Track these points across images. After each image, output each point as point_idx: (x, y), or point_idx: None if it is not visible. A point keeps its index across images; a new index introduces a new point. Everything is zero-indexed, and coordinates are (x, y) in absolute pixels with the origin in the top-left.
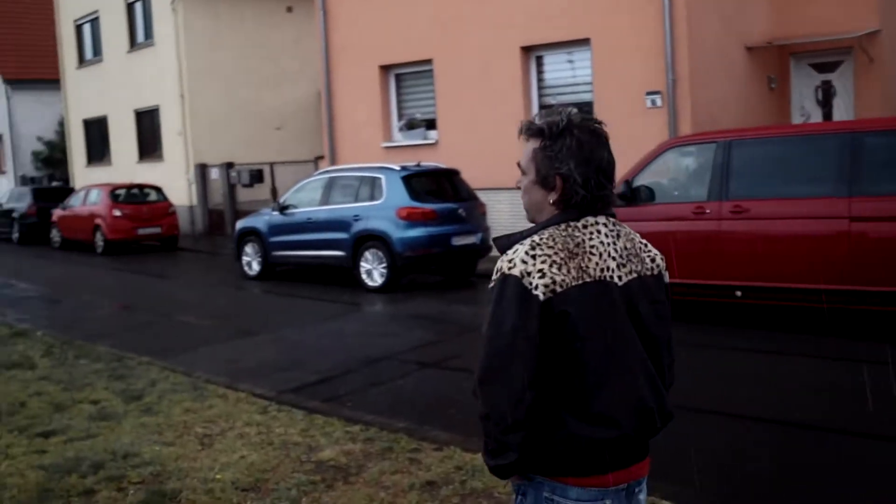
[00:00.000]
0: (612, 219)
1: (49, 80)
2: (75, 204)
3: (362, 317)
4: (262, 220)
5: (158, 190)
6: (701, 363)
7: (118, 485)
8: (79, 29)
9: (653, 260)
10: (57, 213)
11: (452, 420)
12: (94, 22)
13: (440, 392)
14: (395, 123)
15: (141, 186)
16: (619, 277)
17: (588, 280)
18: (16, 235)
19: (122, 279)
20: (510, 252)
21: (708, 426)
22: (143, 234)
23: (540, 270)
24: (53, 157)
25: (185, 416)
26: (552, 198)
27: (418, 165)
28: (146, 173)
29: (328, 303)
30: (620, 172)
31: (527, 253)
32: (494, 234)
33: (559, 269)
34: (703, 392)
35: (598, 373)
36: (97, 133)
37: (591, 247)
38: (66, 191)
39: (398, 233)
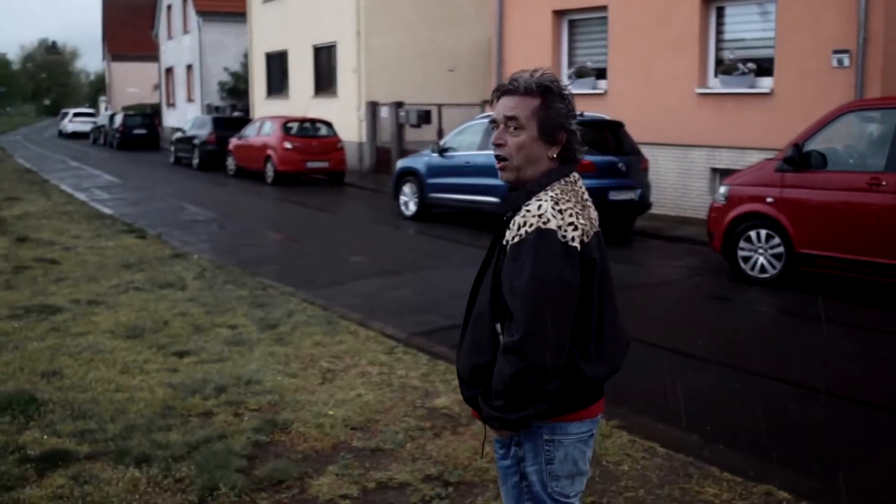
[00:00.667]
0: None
1: (237, 13)
2: (250, 134)
3: None
4: (421, 161)
5: (329, 125)
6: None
7: (235, 410)
8: None
9: (595, 212)
10: (233, 142)
11: None
12: None
13: None
14: (565, 71)
15: (312, 121)
16: (598, 227)
17: (596, 229)
18: (196, 161)
19: (286, 210)
20: (534, 208)
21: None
22: (312, 168)
23: (571, 223)
24: (237, 88)
25: (313, 350)
26: (554, 152)
27: (581, 115)
28: (320, 108)
29: (477, 248)
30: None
31: (553, 208)
32: (657, 191)
33: (582, 219)
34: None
35: (599, 314)
36: (277, 66)
37: (587, 199)
38: (245, 121)
39: None
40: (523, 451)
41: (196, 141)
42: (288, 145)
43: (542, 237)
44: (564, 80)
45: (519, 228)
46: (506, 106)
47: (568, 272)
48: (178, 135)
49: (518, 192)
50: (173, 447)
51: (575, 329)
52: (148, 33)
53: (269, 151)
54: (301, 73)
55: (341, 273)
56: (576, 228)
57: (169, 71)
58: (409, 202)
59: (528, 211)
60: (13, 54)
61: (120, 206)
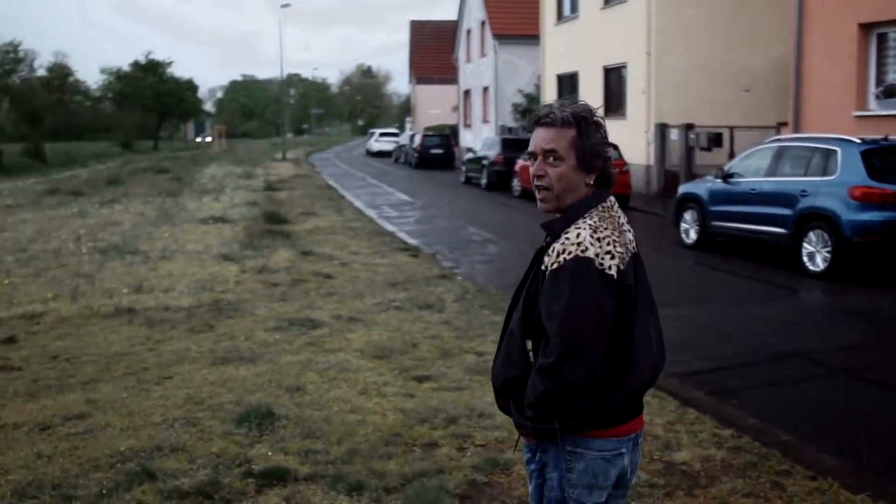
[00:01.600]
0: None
1: (531, 35)
2: None
3: (789, 304)
4: (703, 186)
5: (615, 147)
6: None
7: (461, 443)
8: None
9: (633, 236)
10: (520, 162)
11: (847, 444)
12: None
13: (845, 406)
14: (871, 90)
15: None
16: (635, 248)
17: (632, 253)
18: (484, 181)
19: None
20: (573, 236)
21: None
22: None
23: (608, 252)
24: (530, 110)
25: None
26: (591, 179)
27: (885, 139)
28: (610, 130)
29: (758, 283)
30: None
31: (592, 236)
32: None
33: (619, 247)
34: None
35: (630, 335)
36: (568, 88)
37: (623, 223)
38: None
39: (849, 214)
40: (547, 458)
41: (485, 161)
42: None
43: (580, 265)
44: (871, 100)
45: (558, 255)
46: (544, 139)
47: (604, 300)
48: (469, 155)
49: (558, 219)
50: (389, 477)
51: (610, 350)
52: (449, 57)
53: None
54: (591, 94)
55: None
56: (613, 257)
57: (467, 93)
58: (689, 230)
59: (567, 238)
60: (333, 79)
61: (405, 224)
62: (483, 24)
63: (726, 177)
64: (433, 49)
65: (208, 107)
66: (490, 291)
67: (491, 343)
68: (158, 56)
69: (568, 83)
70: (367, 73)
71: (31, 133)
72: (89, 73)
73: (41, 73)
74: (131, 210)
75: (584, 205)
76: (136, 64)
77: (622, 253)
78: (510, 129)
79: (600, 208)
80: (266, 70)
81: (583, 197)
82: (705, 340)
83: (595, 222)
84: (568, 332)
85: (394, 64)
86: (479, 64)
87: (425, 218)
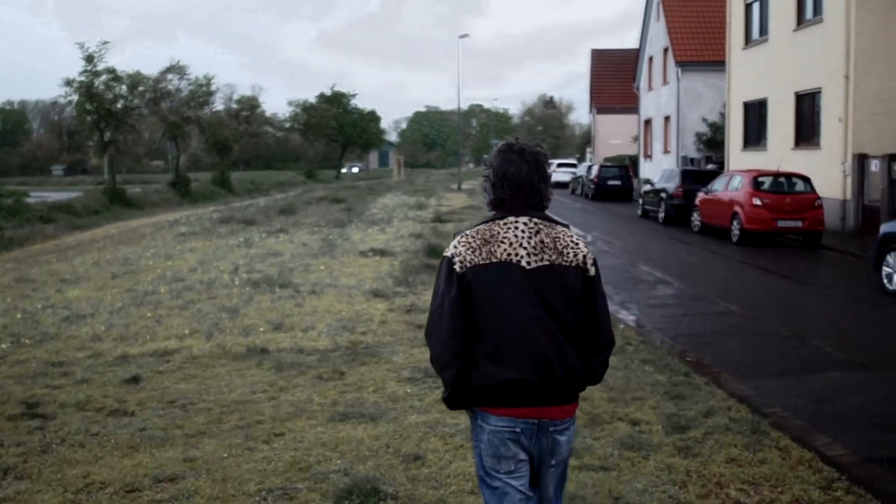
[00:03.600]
0: (535, 219)
1: (716, 61)
2: (718, 188)
3: None
4: None
5: (806, 180)
6: None
7: None
8: (748, 8)
9: (575, 255)
10: (700, 196)
11: None
12: (764, 0)
13: None
14: None
15: (788, 175)
16: (528, 262)
17: (494, 261)
18: (661, 215)
19: (747, 276)
20: (453, 240)
21: None
22: (784, 227)
23: (461, 253)
24: (714, 140)
25: (724, 468)
26: (487, 199)
27: None
28: (799, 160)
29: None
30: None
31: (458, 241)
32: None
33: (474, 252)
34: None
35: (497, 327)
36: (755, 116)
37: (504, 238)
38: (715, 174)
39: None
40: (472, 428)
41: (663, 194)
42: (757, 202)
43: (442, 262)
44: None
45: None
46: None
47: (448, 288)
48: (647, 187)
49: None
50: None
51: (477, 334)
52: (630, 86)
53: (737, 208)
54: (780, 122)
55: (792, 360)
56: (462, 256)
57: (647, 122)
58: (893, 275)
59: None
60: (514, 109)
61: None
62: (666, 50)
63: None
64: (614, 78)
65: (392, 137)
66: (655, 343)
67: (650, 409)
68: (343, 88)
69: (756, 110)
70: (548, 103)
71: (219, 162)
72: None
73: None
74: (296, 240)
75: (479, 223)
76: (321, 96)
77: (473, 257)
78: (692, 160)
79: (489, 223)
80: (450, 102)
81: (486, 217)
82: None
83: (467, 232)
84: (429, 312)
85: (575, 94)
86: (660, 92)
87: (595, 254)
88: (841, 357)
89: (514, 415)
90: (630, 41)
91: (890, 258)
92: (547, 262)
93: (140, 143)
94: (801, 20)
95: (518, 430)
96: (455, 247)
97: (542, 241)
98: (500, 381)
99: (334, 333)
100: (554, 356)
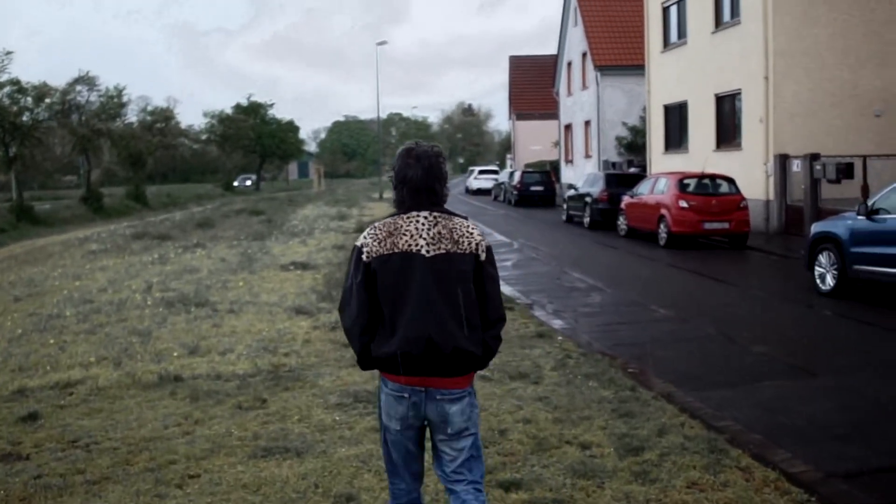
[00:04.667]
0: (434, 213)
1: (635, 65)
2: (643, 192)
3: None
4: (842, 224)
5: (731, 181)
6: None
7: None
8: (665, 11)
9: (469, 244)
10: (625, 200)
11: None
12: (681, 3)
13: None
14: None
15: (712, 176)
16: (427, 251)
17: (396, 251)
18: (587, 220)
19: (678, 279)
20: (365, 231)
21: None
22: (710, 229)
23: (369, 244)
24: (635, 143)
25: (686, 495)
26: (393, 197)
27: None
28: (722, 162)
29: None
30: None
31: (367, 232)
32: None
33: (380, 243)
34: None
35: (394, 308)
36: (676, 119)
37: (405, 230)
38: (640, 177)
39: None
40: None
41: (588, 199)
42: (684, 204)
43: (353, 250)
44: None
45: None
46: None
47: (356, 272)
48: (571, 192)
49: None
50: None
51: (373, 316)
52: (549, 91)
53: (663, 211)
54: (701, 125)
55: (736, 368)
56: (368, 246)
57: (568, 127)
58: (825, 274)
59: None
60: (434, 117)
61: (501, 269)
62: (584, 55)
63: (871, 213)
64: (533, 84)
65: (312, 147)
66: (596, 356)
67: (599, 430)
68: (261, 98)
69: (676, 113)
70: (467, 110)
71: (134, 176)
72: (196, 118)
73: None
74: (213, 255)
75: (386, 217)
76: (237, 106)
77: (378, 247)
78: (614, 164)
79: (394, 217)
80: (370, 111)
81: (391, 212)
82: (871, 419)
83: (375, 224)
84: (342, 291)
85: (497, 103)
86: (580, 97)
87: (522, 261)
88: (786, 363)
89: (404, 381)
90: (550, 49)
91: (822, 258)
92: (444, 251)
93: (49, 158)
94: (719, 22)
95: (406, 395)
96: (364, 237)
97: (439, 233)
98: (388, 353)
99: (255, 356)
100: (437, 335)
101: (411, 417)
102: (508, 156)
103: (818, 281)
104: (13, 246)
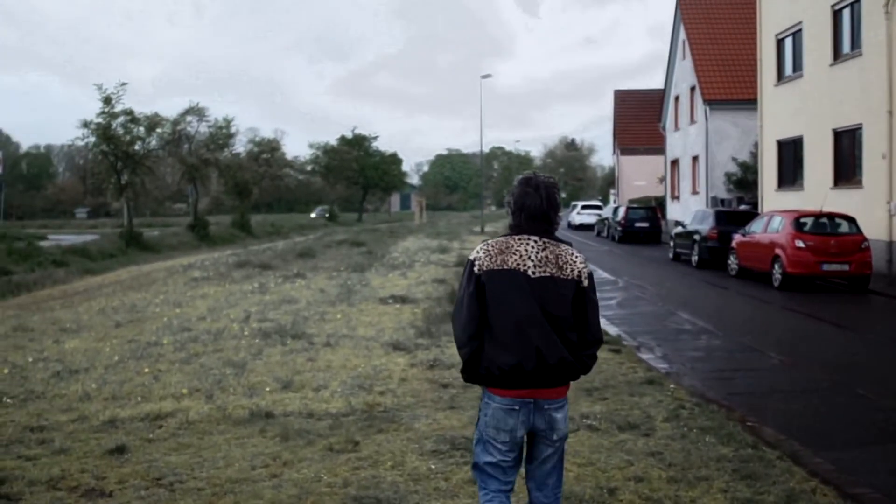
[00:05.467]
0: (544, 239)
1: (746, 100)
2: (756, 230)
3: None
4: None
5: (851, 220)
6: None
7: None
8: (780, 43)
9: (572, 270)
10: (737, 238)
11: None
12: (797, 35)
13: None
14: None
15: (831, 215)
16: (533, 272)
17: (505, 268)
18: (695, 258)
19: (794, 324)
20: (478, 246)
21: None
22: (828, 271)
23: (481, 258)
24: (745, 179)
25: None
26: (508, 220)
27: None
28: (840, 200)
29: None
30: None
31: (480, 248)
32: None
33: (491, 259)
34: None
35: (502, 323)
36: (790, 154)
37: (516, 251)
38: (751, 215)
39: None
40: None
41: (696, 236)
42: (800, 244)
43: (467, 262)
44: None
45: None
46: None
47: (469, 284)
48: (679, 229)
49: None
50: None
51: (480, 327)
52: (656, 126)
53: (778, 250)
54: (818, 161)
55: (865, 425)
56: (481, 261)
57: (674, 163)
58: None
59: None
60: (536, 151)
61: (604, 307)
62: (693, 89)
63: None
64: (638, 118)
65: (414, 180)
66: (712, 407)
67: (718, 494)
68: (364, 131)
69: (790, 149)
70: (570, 145)
71: (239, 205)
72: (302, 149)
73: (253, 148)
74: (312, 286)
75: (499, 236)
76: (342, 138)
77: (490, 263)
78: (722, 201)
79: (506, 237)
80: (472, 145)
81: (504, 232)
82: None
83: (489, 241)
84: (455, 301)
85: (600, 136)
86: (687, 132)
87: (628, 301)
88: None
89: (514, 395)
90: (656, 83)
91: None
92: (548, 274)
93: (159, 186)
94: (837, 54)
95: (516, 407)
96: (477, 252)
97: (546, 257)
98: (501, 364)
99: (349, 393)
100: (544, 347)
101: (519, 429)
102: (612, 191)
103: None
104: (121, 271)
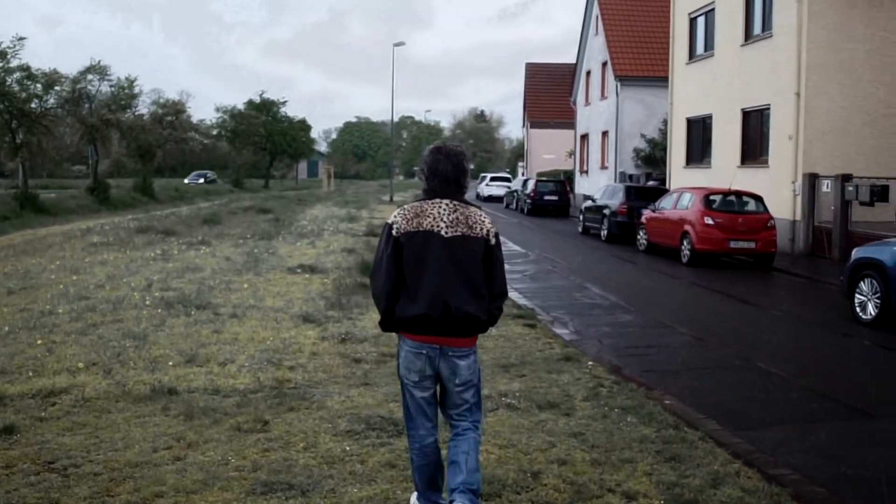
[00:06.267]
0: (455, 202)
1: (657, 77)
2: (666, 206)
3: None
4: (887, 251)
5: (759, 199)
6: None
7: None
8: (693, 22)
9: (481, 230)
10: (646, 214)
11: None
12: (709, 14)
13: None
14: None
15: (739, 193)
16: (446, 232)
17: (421, 229)
18: (604, 233)
19: (704, 300)
20: (395, 211)
21: None
22: (735, 248)
23: (398, 221)
24: (653, 156)
25: None
26: (422, 186)
27: None
28: (746, 179)
29: None
30: None
31: (397, 212)
32: None
33: (407, 222)
34: None
35: (415, 277)
36: (699, 132)
37: (430, 213)
38: (660, 191)
39: None
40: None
41: (606, 211)
42: (709, 221)
43: (385, 226)
44: None
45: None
46: None
47: (386, 245)
48: (588, 203)
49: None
50: None
51: (397, 283)
52: (567, 100)
53: (687, 227)
54: (726, 140)
55: (781, 405)
56: (398, 224)
57: (584, 137)
58: (866, 303)
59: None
60: (445, 122)
61: (516, 280)
62: (605, 65)
63: None
64: (548, 92)
65: (322, 147)
66: (630, 386)
67: (643, 476)
68: (273, 95)
69: (700, 127)
70: (479, 116)
71: (142, 168)
72: (208, 113)
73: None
74: (218, 254)
75: (413, 200)
76: (250, 102)
77: (406, 225)
78: (631, 177)
79: (420, 202)
80: (382, 113)
81: (418, 196)
82: None
83: (405, 206)
84: (373, 262)
85: (509, 111)
86: (598, 107)
87: (539, 273)
88: (837, 401)
89: (422, 340)
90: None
91: (863, 285)
92: (460, 233)
93: (57, 147)
94: (748, 35)
95: (424, 351)
96: (395, 217)
97: (457, 218)
98: (411, 315)
99: (257, 368)
100: (451, 300)
101: (427, 370)
102: (520, 164)
103: (858, 309)
104: (14, 235)
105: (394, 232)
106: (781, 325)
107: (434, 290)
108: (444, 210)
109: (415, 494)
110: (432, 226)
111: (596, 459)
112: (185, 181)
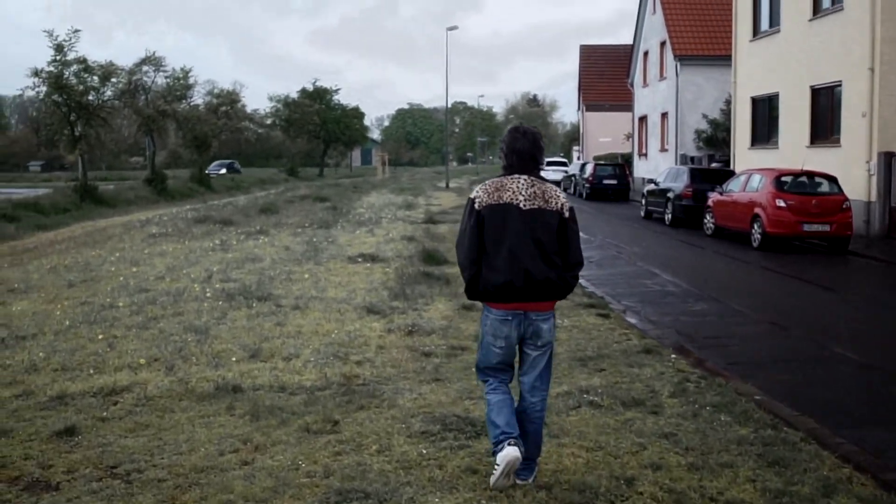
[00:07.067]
0: (532, 178)
1: (719, 56)
2: (734, 189)
3: None
4: None
5: (833, 180)
6: None
7: None
8: None
9: (556, 203)
10: (713, 197)
11: None
12: None
13: None
14: None
15: (812, 174)
16: (524, 205)
17: (501, 202)
18: (668, 217)
19: (777, 284)
20: (476, 187)
21: None
22: (809, 231)
23: (480, 196)
24: (715, 137)
25: None
26: (502, 162)
27: None
28: (817, 159)
29: None
30: None
31: (479, 188)
32: None
33: (489, 195)
34: None
35: (496, 247)
36: (765, 112)
37: (509, 188)
38: (726, 173)
39: None
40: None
41: (670, 194)
42: (781, 203)
43: (468, 200)
44: None
45: None
46: None
47: (470, 218)
48: (651, 187)
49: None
50: None
51: (484, 252)
52: (623, 82)
53: (758, 210)
54: (794, 119)
55: (880, 398)
56: (480, 198)
57: (642, 119)
58: None
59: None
60: (499, 108)
61: (584, 266)
62: (663, 44)
63: None
64: (604, 75)
65: (375, 135)
66: (718, 381)
67: (746, 484)
68: (326, 83)
69: (765, 106)
70: (532, 101)
71: (198, 158)
72: (262, 103)
73: (212, 100)
74: (276, 243)
75: (494, 177)
76: (303, 91)
77: (487, 199)
78: (692, 159)
79: (500, 177)
80: (435, 100)
81: (499, 173)
82: None
83: (486, 182)
84: (458, 233)
85: (566, 93)
86: (657, 88)
87: (605, 260)
88: None
89: (507, 307)
90: (624, 39)
91: None
92: (537, 206)
93: (115, 138)
94: (817, 9)
95: (509, 318)
96: (477, 192)
97: (534, 192)
98: (495, 283)
99: (323, 363)
100: (532, 268)
101: (513, 335)
102: (575, 148)
103: None
104: (75, 226)
105: (476, 206)
106: (864, 312)
107: (514, 259)
108: (523, 185)
109: (500, 448)
110: (511, 199)
111: (692, 464)
112: (207, 172)
